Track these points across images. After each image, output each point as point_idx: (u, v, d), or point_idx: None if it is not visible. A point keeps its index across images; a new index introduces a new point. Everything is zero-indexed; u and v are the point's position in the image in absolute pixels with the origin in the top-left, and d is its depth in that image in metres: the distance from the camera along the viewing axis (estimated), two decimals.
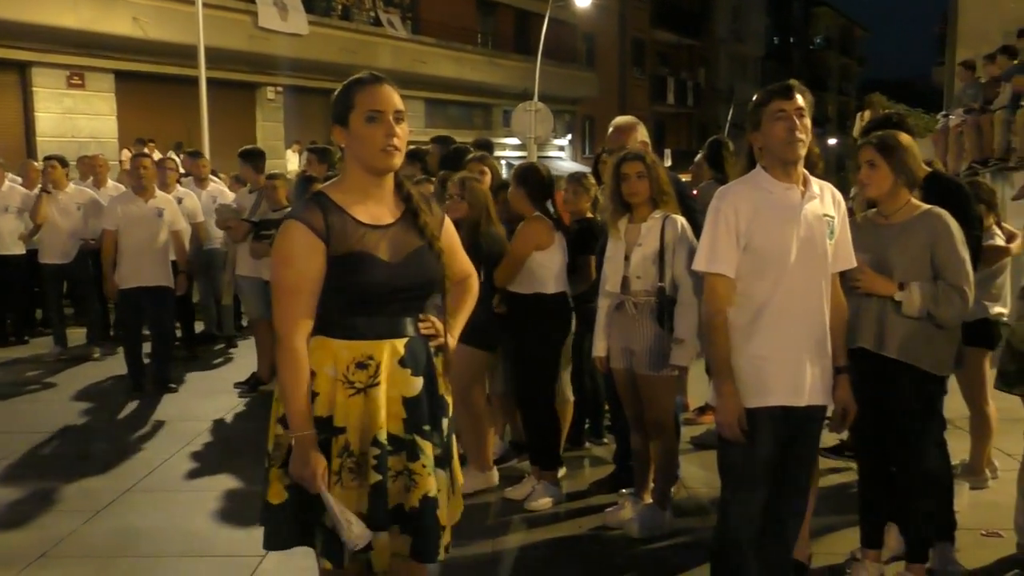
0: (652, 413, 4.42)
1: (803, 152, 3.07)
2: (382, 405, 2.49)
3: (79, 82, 18.10)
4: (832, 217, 3.17)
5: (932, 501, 3.79)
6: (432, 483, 2.54)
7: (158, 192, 7.66)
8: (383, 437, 2.49)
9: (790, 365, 3.10)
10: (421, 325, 2.64)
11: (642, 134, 5.19)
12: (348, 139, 2.54)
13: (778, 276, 3.09)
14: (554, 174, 5.42)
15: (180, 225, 7.69)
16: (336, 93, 2.59)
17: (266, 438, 2.60)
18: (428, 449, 2.56)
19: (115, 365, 8.39)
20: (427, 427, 2.57)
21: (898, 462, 3.74)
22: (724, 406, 3.11)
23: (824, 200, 3.18)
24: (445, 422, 2.66)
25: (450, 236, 2.76)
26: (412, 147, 8.01)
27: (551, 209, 5.13)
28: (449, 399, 2.71)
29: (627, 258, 4.37)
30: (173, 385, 7.56)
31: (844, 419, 3.31)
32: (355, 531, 2.45)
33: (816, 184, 3.19)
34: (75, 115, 17.99)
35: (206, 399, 7.24)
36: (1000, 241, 4.97)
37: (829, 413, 3.33)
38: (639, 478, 4.71)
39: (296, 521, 2.57)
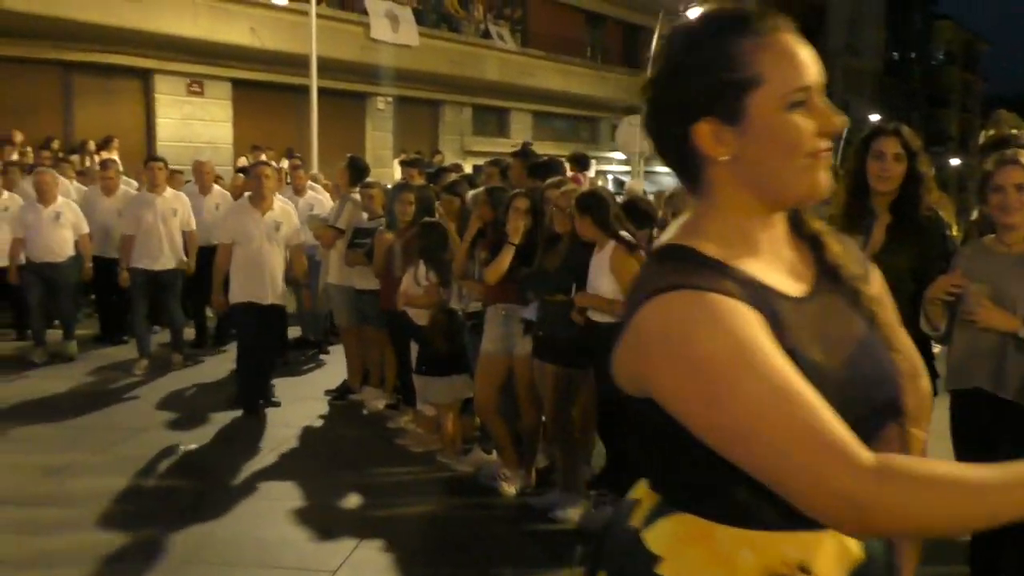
0: None
1: None
2: None
3: (198, 89, 18.72)
4: None
5: None
6: None
7: (276, 204, 7.19)
8: None
9: None
10: None
11: None
12: (739, 142, 1.33)
13: None
14: (657, 190, 5.22)
15: (298, 239, 7.36)
16: (694, 49, 1.35)
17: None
18: None
19: (203, 369, 8.53)
20: None
21: None
22: None
23: None
24: None
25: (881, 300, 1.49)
26: (495, 158, 7.92)
27: (621, 231, 4.75)
28: None
29: None
30: (276, 399, 7.22)
31: None
32: None
33: None
34: (193, 121, 18.60)
35: (294, 405, 7.22)
36: None
37: None
38: None
39: None
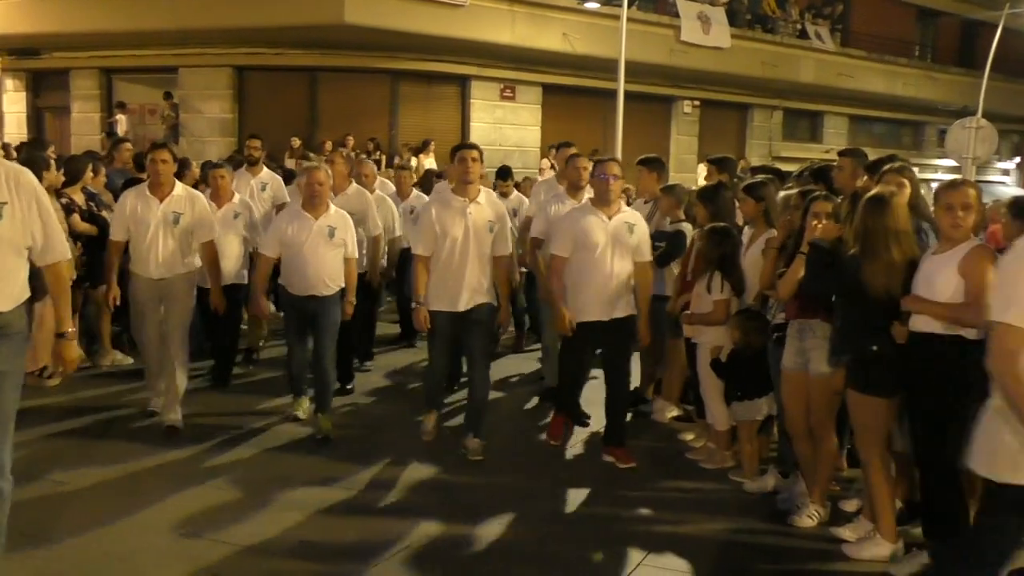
0: None
1: None
2: None
3: (510, 94, 19.49)
4: None
5: None
6: None
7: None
8: None
9: None
10: None
11: None
12: None
13: None
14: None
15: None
16: None
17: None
18: None
19: (505, 365, 8.60)
20: None
21: None
22: None
23: None
24: None
25: None
26: (818, 164, 7.30)
27: None
28: None
29: None
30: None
31: None
32: None
33: None
34: (503, 125, 19.36)
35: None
36: None
37: None
38: None
39: None
